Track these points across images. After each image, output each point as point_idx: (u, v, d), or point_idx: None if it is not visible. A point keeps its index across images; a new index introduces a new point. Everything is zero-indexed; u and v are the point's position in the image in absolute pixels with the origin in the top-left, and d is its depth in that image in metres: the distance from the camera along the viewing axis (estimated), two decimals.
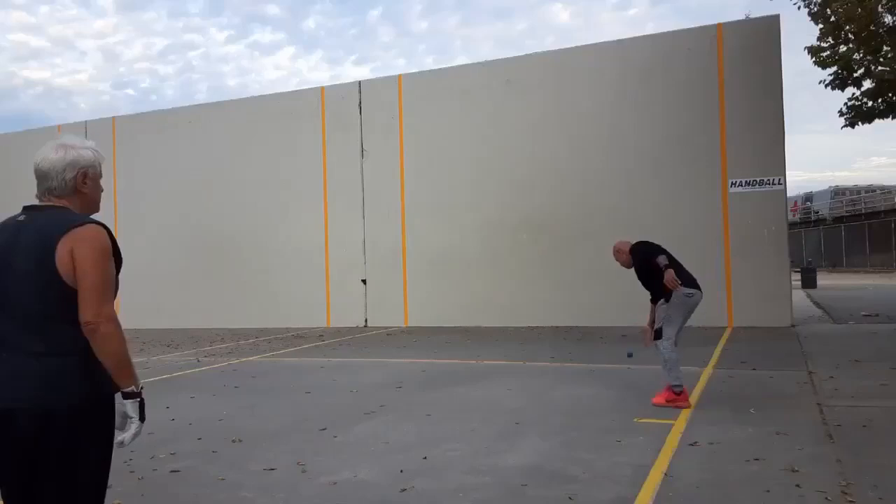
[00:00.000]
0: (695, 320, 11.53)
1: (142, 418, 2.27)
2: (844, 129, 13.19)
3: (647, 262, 5.90)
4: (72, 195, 2.32)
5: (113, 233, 2.29)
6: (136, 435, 2.26)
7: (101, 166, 2.40)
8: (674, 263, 5.95)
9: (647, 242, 6.19)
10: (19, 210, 2.35)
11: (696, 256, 12.02)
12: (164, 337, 13.70)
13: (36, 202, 2.33)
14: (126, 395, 2.24)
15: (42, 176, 2.29)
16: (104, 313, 2.14)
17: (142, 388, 2.30)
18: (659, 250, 5.98)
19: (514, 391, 6.71)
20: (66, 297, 2.14)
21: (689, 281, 5.98)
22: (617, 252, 6.25)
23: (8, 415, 2.09)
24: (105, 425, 2.25)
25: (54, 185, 2.28)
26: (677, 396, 5.64)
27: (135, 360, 6.27)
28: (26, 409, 2.09)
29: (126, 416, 2.25)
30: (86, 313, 2.13)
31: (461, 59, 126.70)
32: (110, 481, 4.42)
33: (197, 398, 6.99)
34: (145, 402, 2.32)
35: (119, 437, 2.25)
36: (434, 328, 13.20)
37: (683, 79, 12.19)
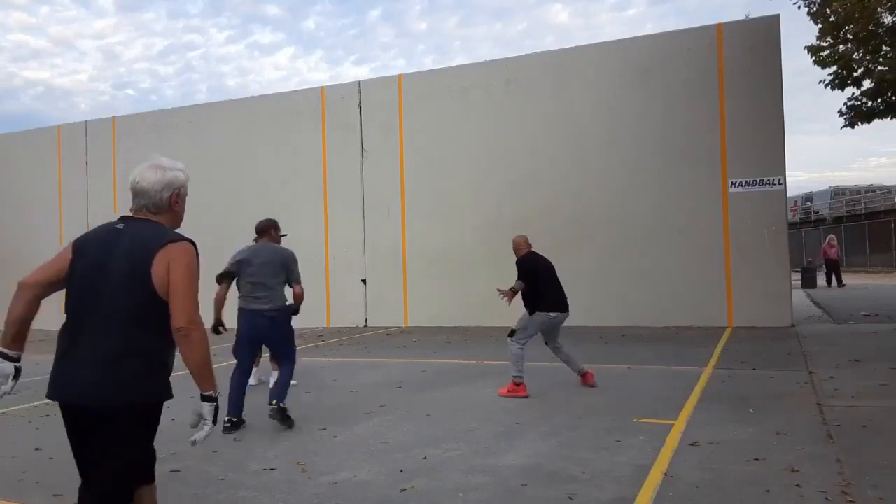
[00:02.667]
0: (695, 320, 11.65)
1: (214, 421, 2.46)
2: (844, 129, 13.19)
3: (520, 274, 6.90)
4: (165, 212, 2.58)
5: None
6: (206, 436, 2.44)
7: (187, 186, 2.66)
8: (545, 285, 6.79)
9: (527, 261, 7.03)
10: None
11: (696, 256, 12.07)
12: None
13: (129, 213, 2.57)
14: (204, 398, 2.46)
15: (140, 193, 2.52)
16: (196, 321, 2.40)
17: (219, 393, 2.49)
18: (527, 274, 6.89)
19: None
20: (153, 304, 2.37)
21: (555, 304, 6.73)
22: (515, 246, 7.29)
23: (80, 406, 2.37)
24: (150, 425, 2.53)
25: (151, 202, 2.53)
26: (517, 388, 6.45)
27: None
28: (94, 404, 2.34)
29: (201, 418, 2.46)
30: (179, 320, 2.36)
31: (460, 60, 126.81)
32: None
33: (197, 398, 6.97)
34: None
35: (192, 436, 2.44)
36: (434, 328, 13.20)
37: (683, 79, 12.19)
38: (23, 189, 17.97)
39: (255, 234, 6.33)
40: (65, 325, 2.46)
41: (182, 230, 2.68)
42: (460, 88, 13.81)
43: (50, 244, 17.67)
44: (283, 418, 5.45)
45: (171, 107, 23.73)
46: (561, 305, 6.76)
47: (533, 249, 7.16)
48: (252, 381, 7.12)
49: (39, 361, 12.07)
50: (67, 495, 4.00)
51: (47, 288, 2.55)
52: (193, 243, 2.54)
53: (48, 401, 2.42)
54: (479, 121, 13.61)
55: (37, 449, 5.09)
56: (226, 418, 5.41)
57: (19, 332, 2.56)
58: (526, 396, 6.36)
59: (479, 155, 13.59)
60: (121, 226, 2.50)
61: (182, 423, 5.69)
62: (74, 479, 4.27)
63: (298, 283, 5.80)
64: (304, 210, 14.99)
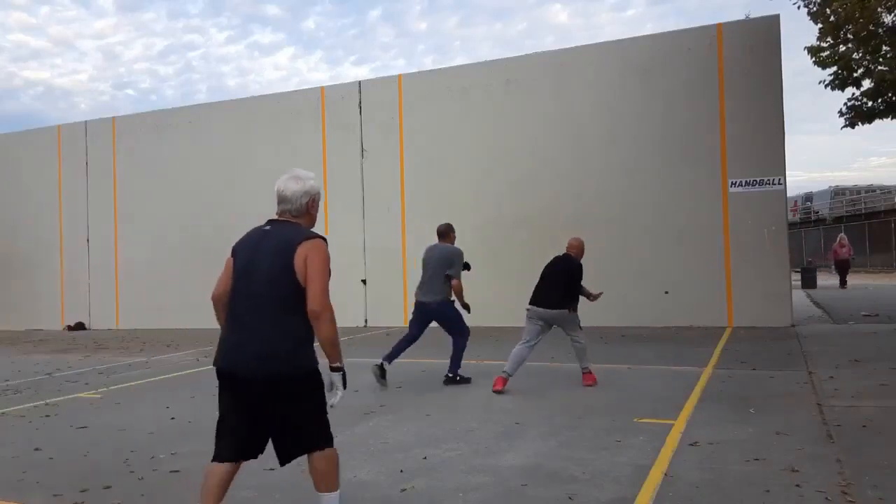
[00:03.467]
0: (695, 320, 11.64)
1: (344, 386, 3.03)
2: (844, 129, 13.19)
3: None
4: (303, 215, 3.13)
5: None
6: (341, 398, 3.02)
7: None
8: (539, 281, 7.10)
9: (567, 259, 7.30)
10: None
11: (696, 256, 12.07)
12: (164, 337, 13.70)
13: (274, 217, 3.13)
14: (333, 369, 2.99)
15: (284, 199, 3.08)
16: (326, 305, 2.94)
17: (345, 364, 3.05)
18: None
19: (513, 391, 6.71)
20: (296, 291, 2.91)
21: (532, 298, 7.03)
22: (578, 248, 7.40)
23: (247, 378, 2.88)
24: (310, 388, 2.99)
25: (293, 207, 3.10)
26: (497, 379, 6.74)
27: (135, 359, 6.47)
28: (257, 376, 2.85)
29: (333, 385, 3.01)
30: (314, 304, 2.90)
31: (460, 60, 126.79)
32: (109, 481, 4.43)
33: (197, 398, 6.99)
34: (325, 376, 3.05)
35: (329, 400, 3.01)
36: (434, 328, 13.18)
37: (683, 79, 12.19)
38: (23, 189, 17.97)
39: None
40: (229, 313, 3.01)
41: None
42: (460, 88, 13.80)
43: (50, 244, 17.72)
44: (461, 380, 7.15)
45: (171, 107, 23.74)
46: (532, 299, 6.98)
47: (567, 252, 7.38)
48: None
49: (39, 362, 12.08)
50: (67, 495, 4.00)
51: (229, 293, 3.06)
52: (325, 240, 3.05)
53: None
54: (479, 121, 13.61)
55: (37, 449, 5.09)
56: (379, 362, 6.97)
57: None
58: (499, 390, 6.57)
59: (479, 155, 13.59)
60: (268, 227, 3.07)
61: (182, 424, 5.72)
62: (75, 480, 4.29)
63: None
64: None
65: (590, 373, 6.90)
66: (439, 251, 7.50)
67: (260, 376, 2.87)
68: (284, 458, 3.06)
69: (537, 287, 7.03)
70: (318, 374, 3.04)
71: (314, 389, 3.02)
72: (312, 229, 3.15)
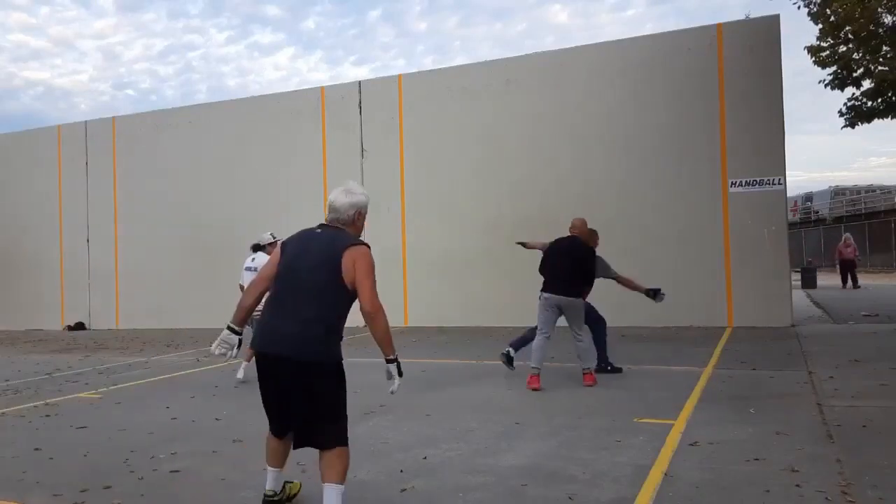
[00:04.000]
0: (695, 320, 11.64)
1: (400, 374, 3.36)
2: (844, 129, 13.20)
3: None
4: (349, 225, 3.47)
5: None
6: (399, 385, 3.35)
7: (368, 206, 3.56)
8: (545, 268, 7.12)
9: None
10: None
11: (697, 256, 12.06)
12: (164, 337, 13.71)
13: (325, 223, 3.49)
14: (389, 361, 3.34)
15: (334, 209, 3.45)
16: (378, 306, 3.25)
17: (398, 355, 3.40)
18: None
19: (513, 391, 6.71)
20: (337, 287, 3.22)
21: (546, 286, 6.98)
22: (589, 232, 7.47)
23: (289, 358, 3.16)
24: (332, 375, 3.25)
25: (341, 217, 3.45)
26: (530, 379, 6.74)
27: (135, 359, 6.49)
28: (290, 356, 3.16)
29: (390, 374, 3.35)
30: (366, 305, 3.22)
31: (460, 60, 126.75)
32: (109, 481, 4.43)
33: (197, 398, 6.99)
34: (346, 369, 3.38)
35: (390, 388, 3.35)
36: (434, 328, 13.21)
37: (683, 79, 12.18)
38: (23, 189, 17.98)
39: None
40: (271, 298, 3.33)
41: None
42: (460, 88, 13.80)
43: (50, 244, 17.72)
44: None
45: (171, 107, 23.73)
46: (549, 286, 6.89)
47: (574, 234, 7.30)
48: (240, 375, 7.46)
49: (40, 362, 12.09)
50: (67, 495, 4.00)
51: (269, 282, 3.38)
52: (369, 246, 3.38)
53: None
54: (479, 121, 13.60)
55: (37, 449, 5.09)
56: (505, 351, 7.35)
57: (246, 316, 3.46)
58: (536, 389, 6.60)
59: (479, 155, 13.59)
60: (319, 230, 3.43)
61: (183, 424, 5.72)
62: (74, 479, 4.29)
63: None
64: (304, 210, 14.98)
65: (591, 373, 6.89)
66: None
67: (293, 356, 3.16)
68: (298, 444, 3.36)
69: (550, 273, 6.90)
70: (342, 367, 3.32)
71: (338, 381, 3.28)
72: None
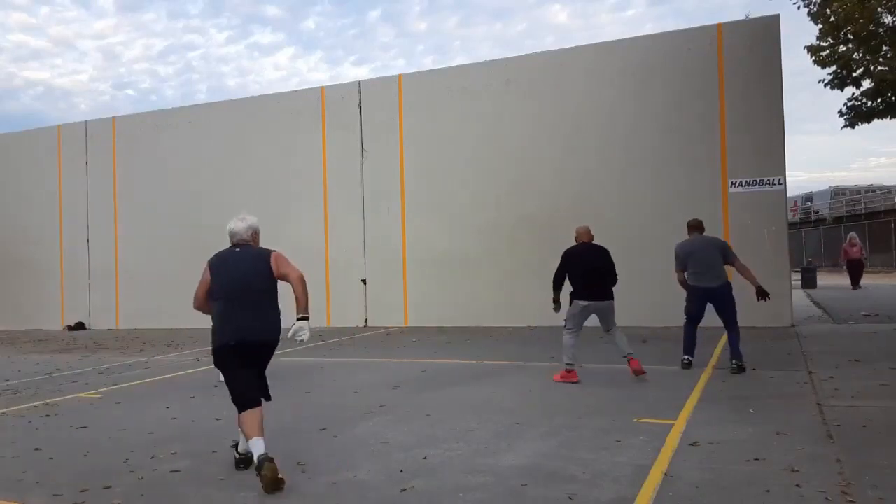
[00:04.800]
0: None
1: (308, 329, 4.43)
2: (844, 129, 13.20)
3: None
4: (251, 242, 4.61)
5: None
6: (308, 335, 4.41)
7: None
8: (574, 275, 7.34)
9: (565, 251, 7.55)
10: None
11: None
12: (164, 337, 13.70)
13: (234, 244, 4.62)
14: (303, 318, 4.40)
15: (236, 234, 4.60)
16: (300, 274, 4.41)
17: (308, 316, 4.49)
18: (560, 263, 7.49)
19: (513, 391, 6.71)
20: (274, 284, 4.44)
21: (582, 292, 7.25)
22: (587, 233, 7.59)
23: (266, 342, 4.41)
24: (274, 349, 4.54)
25: (244, 237, 4.59)
26: (568, 374, 7.09)
27: (135, 359, 6.56)
28: (259, 340, 4.37)
29: (302, 329, 4.38)
30: (295, 273, 4.39)
31: (460, 60, 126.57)
32: (109, 481, 4.42)
33: (197, 398, 6.99)
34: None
35: (299, 337, 4.36)
36: (434, 328, 13.20)
37: (683, 79, 12.18)
38: (23, 189, 17.97)
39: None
40: (225, 305, 4.36)
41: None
42: (460, 88, 13.80)
43: (50, 244, 17.71)
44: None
45: (171, 107, 23.71)
46: (588, 294, 7.16)
47: (586, 241, 7.52)
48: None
49: (40, 362, 12.06)
50: (67, 495, 4.00)
51: (207, 295, 4.52)
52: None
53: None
54: (478, 121, 13.60)
55: (37, 449, 5.09)
56: (683, 358, 7.78)
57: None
58: (576, 381, 6.93)
59: (479, 155, 13.59)
60: (238, 250, 4.55)
61: (183, 424, 5.72)
62: (74, 479, 4.30)
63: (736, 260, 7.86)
64: (304, 210, 14.99)
65: (635, 358, 7.11)
66: (708, 241, 7.92)
67: (260, 340, 4.37)
68: (258, 402, 4.35)
69: (593, 281, 7.15)
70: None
71: (274, 352, 4.54)
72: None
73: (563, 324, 7.35)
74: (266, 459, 3.92)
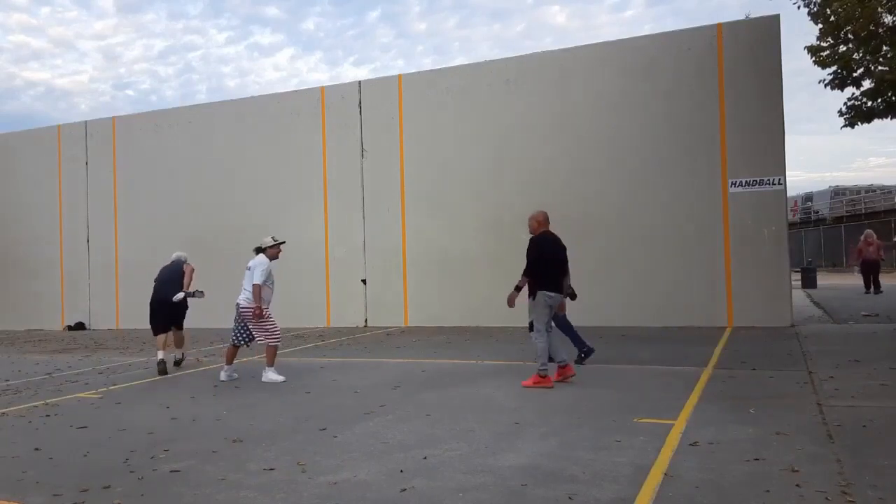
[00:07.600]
0: (695, 320, 11.64)
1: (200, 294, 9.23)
2: (844, 129, 13.18)
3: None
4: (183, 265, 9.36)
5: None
6: (203, 293, 9.25)
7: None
8: (542, 268, 6.89)
9: (538, 242, 7.05)
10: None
11: (696, 256, 12.06)
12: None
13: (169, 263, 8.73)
14: (189, 294, 9.15)
15: (175, 261, 9.45)
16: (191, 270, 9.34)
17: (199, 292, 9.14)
18: (533, 258, 6.95)
19: (513, 391, 6.71)
20: (181, 280, 9.13)
21: (551, 285, 6.91)
22: (530, 219, 7.25)
23: (167, 301, 9.11)
24: (183, 304, 9.43)
25: (180, 260, 9.40)
26: (542, 379, 6.79)
27: (135, 359, 6.55)
28: (168, 300, 9.15)
29: (196, 293, 9.17)
30: (189, 274, 9.25)
31: (459, 60, 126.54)
32: (109, 481, 4.42)
33: (197, 398, 6.99)
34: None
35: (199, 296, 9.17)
36: (434, 328, 13.20)
37: (683, 79, 12.18)
38: (23, 189, 17.97)
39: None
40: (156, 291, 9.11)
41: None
42: (460, 88, 13.81)
43: (50, 244, 17.71)
44: None
45: (171, 107, 23.70)
46: (558, 287, 6.98)
47: (547, 228, 7.23)
48: (223, 376, 7.62)
49: (39, 361, 12.08)
50: (67, 495, 4.00)
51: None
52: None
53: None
54: (478, 121, 13.61)
55: (37, 449, 5.09)
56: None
57: None
58: (550, 387, 6.73)
59: (479, 155, 13.59)
60: (168, 263, 9.12)
61: (183, 424, 5.72)
62: (74, 479, 4.32)
63: None
64: (304, 210, 14.99)
65: (567, 365, 7.07)
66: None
67: (169, 300, 8.77)
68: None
69: (554, 273, 6.92)
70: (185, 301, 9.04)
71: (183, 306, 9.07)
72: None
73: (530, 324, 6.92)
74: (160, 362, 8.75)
